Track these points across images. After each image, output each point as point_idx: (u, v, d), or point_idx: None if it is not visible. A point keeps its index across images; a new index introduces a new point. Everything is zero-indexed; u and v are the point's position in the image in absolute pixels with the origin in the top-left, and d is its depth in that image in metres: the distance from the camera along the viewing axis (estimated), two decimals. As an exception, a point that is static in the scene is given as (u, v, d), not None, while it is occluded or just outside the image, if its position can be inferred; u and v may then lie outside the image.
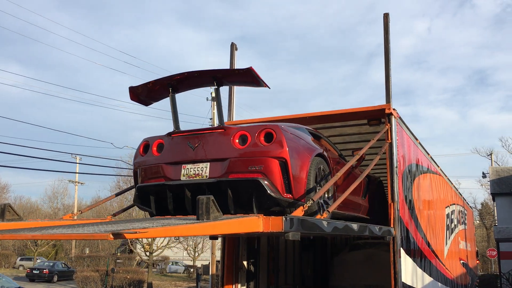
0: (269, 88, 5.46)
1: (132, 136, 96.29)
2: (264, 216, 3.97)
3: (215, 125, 5.86)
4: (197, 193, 4.69)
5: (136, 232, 3.12)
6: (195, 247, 46.44)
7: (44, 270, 33.41)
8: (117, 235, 3.00)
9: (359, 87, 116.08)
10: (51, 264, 35.69)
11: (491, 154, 48.95)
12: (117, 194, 9.80)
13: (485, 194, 63.03)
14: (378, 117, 7.65)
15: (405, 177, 7.92)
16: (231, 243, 8.20)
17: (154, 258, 28.36)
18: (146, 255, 26.97)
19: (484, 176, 45.46)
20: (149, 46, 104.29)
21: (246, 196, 4.85)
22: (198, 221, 3.61)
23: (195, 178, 5.21)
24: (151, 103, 6.07)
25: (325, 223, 4.83)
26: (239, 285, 8.31)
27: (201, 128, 5.68)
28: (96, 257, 39.50)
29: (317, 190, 5.35)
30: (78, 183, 52.47)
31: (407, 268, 7.55)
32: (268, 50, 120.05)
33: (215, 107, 5.76)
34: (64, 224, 4.86)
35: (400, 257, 7.09)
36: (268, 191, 4.86)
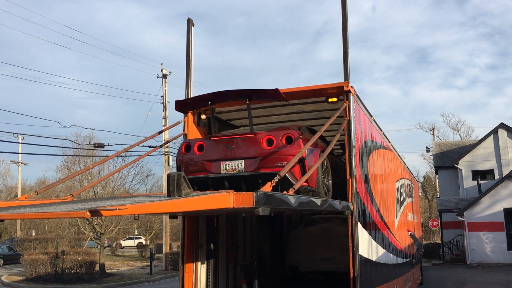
0: (288, 102, 7.33)
1: (77, 114, 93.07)
2: (234, 192, 4.02)
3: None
4: (235, 184, 5.93)
5: (115, 209, 3.05)
6: (147, 226, 46.05)
7: (-12, 255, 32.16)
8: (94, 212, 2.92)
9: (306, 65, 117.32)
10: (-4, 248, 34.39)
11: (433, 129, 51.11)
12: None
13: (427, 168, 65.97)
14: (336, 94, 7.73)
15: (361, 153, 8.10)
16: (190, 221, 8.14)
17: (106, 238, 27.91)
18: (97, 236, 26.42)
19: (428, 150, 47.53)
20: (91, 21, 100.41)
21: (274, 185, 5.40)
22: (170, 197, 3.58)
23: (232, 172, 6.52)
24: (189, 112, 7.96)
25: (291, 198, 5.04)
26: (199, 263, 8.29)
27: (236, 132, 7.11)
28: (43, 239, 38.30)
29: (322, 179, 7.02)
30: (21, 163, 50.44)
31: (364, 241, 7.79)
32: (215, 27, 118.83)
33: (247, 114, 7.02)
34: (27, 204, 4.65)
35: (357, 230, 7.30)
36: (291, 181, 6.04)
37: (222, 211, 5.89)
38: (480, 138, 37.58)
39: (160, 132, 8.26)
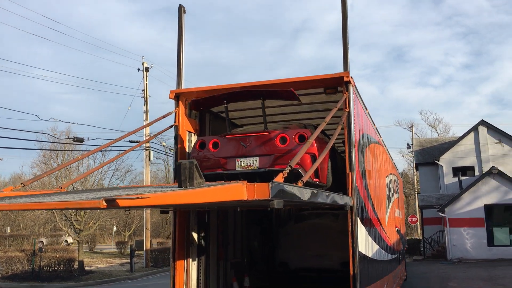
0: (301, 102, 7.44)
1: (53, 109, 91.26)
2: (248, 183, 3.76)
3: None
4: (249, 180, 5.62)
5: (138, 197, 2.72)
6: (126, 222, 45.32)
7: (-39, 252, 31.09)
8: (110, 201, 2.56)
9: (286, 62, 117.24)
10: (-31, 245, 33.31)
11: (411, 127, 51.51)
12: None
13: (405, 164, 66.51)
14: (335, 85, 7.47)
15: (360, 147, 7.87)
16: (182, 217, 7.79)
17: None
18: (76, 232, 25.76)
19: (408, 147, 47.90)
20: (68, 15, 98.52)
21: (288, 181, 5.40)
22: (181, 188, 3.28)
23: (247, 168, 6.71)
24: (205, 110, 8.21)
25: (305, 190, 4.93)
26: (190, 259, 7.97)
27: (250, 131, 7.24)
28: (19, 236, 37.30)
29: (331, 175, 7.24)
30: (-5, 158, 49.04)
31: (362, 237, 7.57)
32: (194, 23, 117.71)
33: (262, 113, 7.39)
34: (21, 194, 4.26)
35: (357, 226, 7.06)
36: (303, 175, 6.03)
37: (227, 204, 5.71)
38: (458, 135, 37.98)
39: (151, 123, 7.92)
